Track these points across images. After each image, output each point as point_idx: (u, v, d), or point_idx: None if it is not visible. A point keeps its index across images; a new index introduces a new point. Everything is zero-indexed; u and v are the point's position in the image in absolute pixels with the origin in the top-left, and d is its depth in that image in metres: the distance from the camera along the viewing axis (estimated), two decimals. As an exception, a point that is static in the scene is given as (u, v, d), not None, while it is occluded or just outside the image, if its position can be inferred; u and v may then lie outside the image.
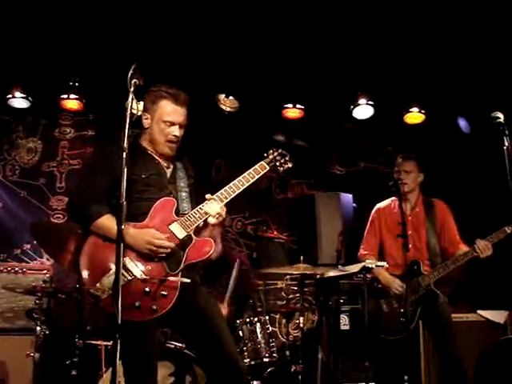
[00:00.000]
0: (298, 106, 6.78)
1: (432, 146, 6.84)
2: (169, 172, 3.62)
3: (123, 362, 3.27)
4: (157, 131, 3.53)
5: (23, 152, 6.77)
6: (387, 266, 4.85)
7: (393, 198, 5.19)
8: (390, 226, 5.08)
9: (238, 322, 4.78)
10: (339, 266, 5.50)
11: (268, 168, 3.68)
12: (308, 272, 5.12)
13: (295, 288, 5.68)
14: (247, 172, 3.60)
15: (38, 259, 6.45)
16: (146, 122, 3.56)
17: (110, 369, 4.31)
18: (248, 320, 4.82)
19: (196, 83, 6.07)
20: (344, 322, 5.84)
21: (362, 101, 6.67)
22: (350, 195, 6.52)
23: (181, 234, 3.39)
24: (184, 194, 3.62)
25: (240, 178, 3.57)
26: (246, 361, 4.61)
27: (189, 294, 3.39)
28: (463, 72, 6.19)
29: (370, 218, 5.27)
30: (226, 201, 3.49)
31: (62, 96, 6.50)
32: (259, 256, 6.32)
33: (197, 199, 3.66)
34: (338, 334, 5.76)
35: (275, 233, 6.29)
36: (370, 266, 4.83)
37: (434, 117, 6.83)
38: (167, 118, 3.50)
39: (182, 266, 3.35)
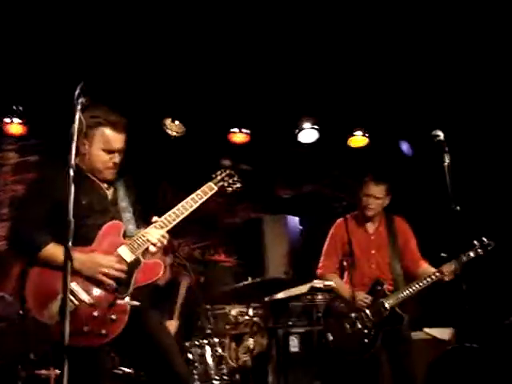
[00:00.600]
0: (243, 130, 6.84)
1: (376, 169, 6.97)
2: (110, 194, 3.53)
3: None
4: (95, 158, 3.43)
5: (-36, 178, 6.63)
6: (334, 285, 4.82)
7: (353, 213, 5.08)
8: (355, 243, 4.94)
9: (187, 344, 4.73)
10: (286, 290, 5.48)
11: (216, 189, 3.62)
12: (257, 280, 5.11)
13: (243, 310, 5.65)
14: (194, 193, 3.54)
15: (-22, 288, 6.27)
16: (82, 148, 3.41)
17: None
18: (197, 343, 4.79)
19: (142, 107, 6.09)
20: (294, 344, 5.83)
21: (307, 125, 6.79)
22: (297, 218, 6.58)
23: (129, 257, 3.32)
24: (128, 214, 3.52)
25: (187, 199, 3.51)
26: (196, 384, 4.57)
27: (139, 318, 3.32)
28: (404, 95, 6.38)
29: (330, 234, 5.10)
30: (169, 226, 3.41)
31: (5, 120, 6.40)
32: (206, 280, 6.28)
33: (142, 216, 3.60)
34: (287, 357, 5.75)
35: (223, 256, 6.28)
36: (317, 285, 4.83)
37: (377, 140, 7.00)
38: (106, 146, 3.41)
39: (130, 289, 3.27)
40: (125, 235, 3.40)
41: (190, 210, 3.48)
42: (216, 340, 4.91)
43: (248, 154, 7.03)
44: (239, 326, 5.58)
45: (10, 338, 5.38)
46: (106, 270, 3.22)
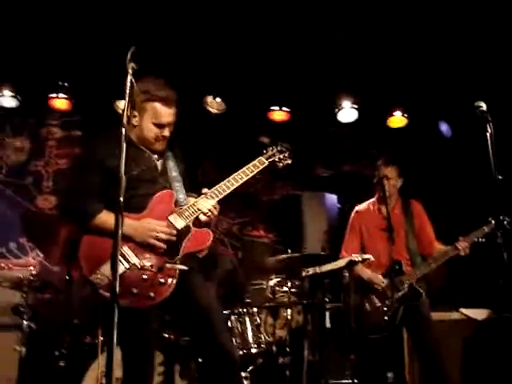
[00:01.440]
0: (284, 108, 6.88)
1: (415, 150, 6.97)
2: (160, 164, 3.61)
3: (122, 349, 3.28)
4: (146, 131, 3.52)
5: (10, 151, 6.80)
6: (373, 258, 4.87)
7: (371, 200, 5.26)
8: (371, 227, 5.13)
9: (225, 312, 4.81)
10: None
11: (267, 163, 3.70)
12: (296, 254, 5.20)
13: (280, 282, 5.71)
14: (245, 167, 3.62)
15: (23, 257, 6.44)
16: (134, 120, 3.51)
17: (99, 359, 4.42)
18: (236, 311, 4.87)
19: (183, 84, 6.16)
20: (329, 320, 5.89)
21: (347, 104, 6.80)
22: (335, 196, 6.62)
23: (179, 224, 3.41)
24: (177, 184, 3.60)
25: (238, 172, 3.58)
26: (234, 351, 4.64)
27: (186, 283, 3.39)
28: (445, 75, 6.35)
29: (350, 221, 5.30)
30: (220, 196, 3.49)
31: (50, 95, 6.55)
32: (244, 255, 6.37)
33: (189, 185, 3.68)
34: (322, 332, 5.81)
35: (261, 232, 6.35)
36: (356, 259, 4.85)
37: (416, 120, 6.98)
38: (157, 120, 3.49)
39: (179, 254, 3.37)
40: (176, 204, 3.49)
41: (240, 182, 3.56)
42: (254, 309, 4.97)
43: (287, 132, 7.10)
44: (276, 298, 5.66)
45: (55, 305, 5.56)
46: (156, 234, 3.32)
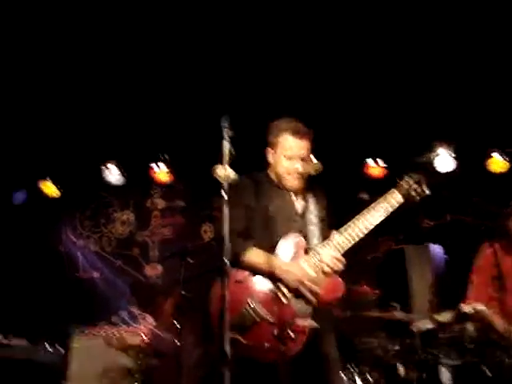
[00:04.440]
0: (379, 163, 6.85)
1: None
2: (300, 205, 3.53)
3: None
4: (279, 165, 3.48)
5: (118, 224, 7.12)
6: (485, 309, 4.58)
7: (497, 243, 4.79)
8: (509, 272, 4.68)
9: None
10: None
11: (403, 200, 3.39)
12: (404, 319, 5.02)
13: (390, 343, 5.55)
14: (377, 204, 3.37)
15: (134, 325, 6.62)
16: (269, 157, 3.56)
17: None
18: (347, 368, 4.77)
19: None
20: (446, 377, 5.63)
21: (443, 153, 6.70)
22: (440, 246, 6.44)
23: (311, 272, 3.26)
24: (313, 227, 3.47)
25: (370, 211, 3.34)
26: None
27: (316, 341, 3.28)
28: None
29: (478, 264, 4.84)
30: (345, 248, 3.29)
31: (153, 168, 6.86)
32: (352, 314, 6.25)
33: (329, 226, 3.52)
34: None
35: (364, 287, 6.21)
36: (466, 310, 4.59)
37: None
38: (287, 152, 3.45)
39: (310, 308, 3.24)
40: (306, 250, 3.36)
41: (370, 228, 3.33)
42: (366, 368, 4.86)
43: (384, 187, 7.02)
44: (387, 356, 5.50)
45: (165, 372, 5.64)
46: (307, 282, 3.21)
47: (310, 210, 3.53)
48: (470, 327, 5.15)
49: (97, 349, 5.39)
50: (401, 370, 5.15)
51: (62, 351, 5.54)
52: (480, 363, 4.61)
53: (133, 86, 5.99)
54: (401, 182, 3.43)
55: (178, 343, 5.08)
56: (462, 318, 4.70)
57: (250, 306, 3.22)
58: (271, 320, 3.20)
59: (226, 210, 2.88)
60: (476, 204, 7.00)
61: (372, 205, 3.37)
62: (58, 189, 6.90)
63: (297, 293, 3.24)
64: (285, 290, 3.26)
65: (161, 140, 6.67)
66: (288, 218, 3.47)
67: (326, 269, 3.25)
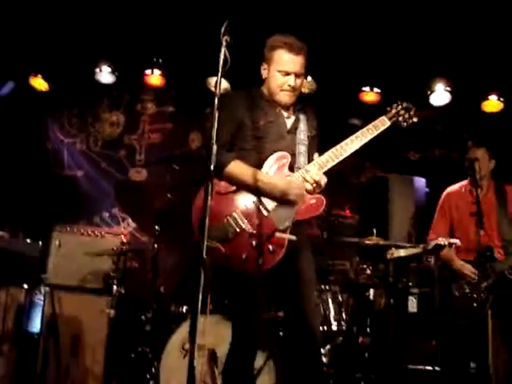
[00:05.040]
0: (375, 89, 6.80)
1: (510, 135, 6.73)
2: (289, 122, 3.52)
3: (230, 315, 3.39)
4: (272, 81, 3.45)
5: (106, 125, 7.08)
6: (460, 243, 4.73)
7: (463, 182, 5.10)
8: (461, 210, 4.97)
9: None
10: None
11: (389, 124, 3.49)
12: (382, 243, 5.13)
13: (364, 266, 5.68)
14: (365, 128, 3.43)
15: (115, 226, 6.71)
16: (264, 73, 3.52)
17: (184, 324, 4.55)
18: (319, 288, 4.87)
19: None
20: (412, 305, 5.82)
21: (439, 87, 6.65)
22: (424, 179, 6.49)
23: (298, 185, 3.30)
24: (302, 147, 3.47)
25: (357, 134, 3.40)
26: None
27: (293, 256, 3.33)
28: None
29: (440, 202, 5.16)
30: (328, 166, 3.34)
31: (146, 71, 6.75)
32: (329, 236, 6.34)
33: (318, 145, 3.55)
34: (405, 317, 5.75)
35: (347, 212, 6.28)
36: (442, 243, 4.74)
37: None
38: (282, 67, 3.41)
39: (289, 223, 3.27)
40: (293, 167, 3.39)
41: (357, 146, 3.38)
42: (337, 288, 4.98)
43: (378, 114, 7.00)
44: (359, 280, 5.64)
45: (143, 274, 5.77)
46: (295, 192, 3.24)
47: (300, 128, 3.53)
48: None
49: (76, 247, 5.42)
50: (371, 293, 5.31)
51: (41, 246, 5.58)
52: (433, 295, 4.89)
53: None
54: (390, 108, 3.56)
55: (157, 247, 5.17)
56: (439, 247, 4.83)
57: (231, 217, 3.26)
58: (251, 231, 3.24)
59: (215, 122, 2.86)
60: (464, 140, 7.02)
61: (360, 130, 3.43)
62: (48, 84, 6.76)
63: (279, 202, 3.28)
64: (266, 202, 3.30)
65: (157, 44, 6.52)
66: (278, 134, 3.46)
67: (308, 186, 3.29)
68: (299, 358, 3.33)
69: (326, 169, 3.34)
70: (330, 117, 6.84)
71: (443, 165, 7.08)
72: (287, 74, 3.42)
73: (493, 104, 6.82)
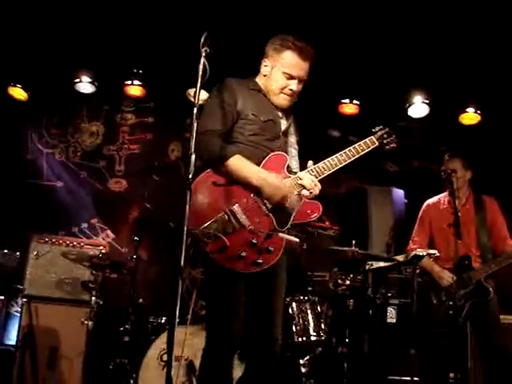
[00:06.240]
0: (354, 101, 6.84)
1: (488, 147, 6.80)
2: (283, 124, 3.49)
3: (210, 310, 3.29)
4: (274, 81, 3.39)
5: (86, 135, 7.06)
6: (438, 254, 4.82)
7: (442, 194, 5.20)
8: (440, 220, 5.06)
9: (287, 299, 4.84)
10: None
11: (377, 144, 3.59)
12: (360, 251, 5.19)
13: (343, 277, 5.70)
14: (356, 144, 3.49)
15: (94, 238, 6.66)
16: (264, 69, 3.44)
17: (162, 336, 4.54)
18: (298, 298, 4.89)
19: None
20: (391, 315, 5.83)
21: (418, 99, 6.72)
22: (402, 191, 6.54)
23: (295, 191, 3.29)
24: (293, 150, 3.50)
25: (346, 150, 3.44)
26: (294, 338, 4.70)
27: (273, 267, 3.28)
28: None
29: (420, 213, 5.27)
30: (323, 175, 3.35)
31: (126, 82, 6.75)
32: (308, 247, 6.36)
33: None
34: (384, 327, 5.76)
35: (327, 223, 6.30)
36: (420, 253, 4.81)
37: (490, 118, 6.81)
38: (288, 70, 3.36)
39: (289, 224, 3.27)
40: (289, 169, 3.39)
41: (348, 161, 3.45)
42: (316, 298, 4.99)
43: (357, 126, 7.05)
44: (338, 291, 5.65)
45: (122, 285, 5.72)
46: (290, 195, 3.23)
47: (291, 131, 3.54)
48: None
49: (54, 258, 5.39)
50: (350, 303, 5.33)
51: (19, 256, 5.53)
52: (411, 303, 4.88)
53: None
54: (375, 130, 3.71)
55: (135, 258, 5.15)
56: (417, 258, 4.87)
57: (231, 211, 3.18)
58: (251, 228, 3.19)
59: (194, 133, 2.86)
60: (442, 152, 7.08)
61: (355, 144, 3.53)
62: (28, 94, 6.73)
63: (279, 206, 3.25)
64: (267, 201, 3.26)
65: (137, 55, 6.51)
66: (274, 134, 3.42)
67: (305, 192, 3.29)
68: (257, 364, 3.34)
69: (322, 176, 3.36)
70: (309, 128, 6.89)
71: (421, 176, 7.12)
72: (291, 77, 3.38)
73: (470, 116, 6.89)
